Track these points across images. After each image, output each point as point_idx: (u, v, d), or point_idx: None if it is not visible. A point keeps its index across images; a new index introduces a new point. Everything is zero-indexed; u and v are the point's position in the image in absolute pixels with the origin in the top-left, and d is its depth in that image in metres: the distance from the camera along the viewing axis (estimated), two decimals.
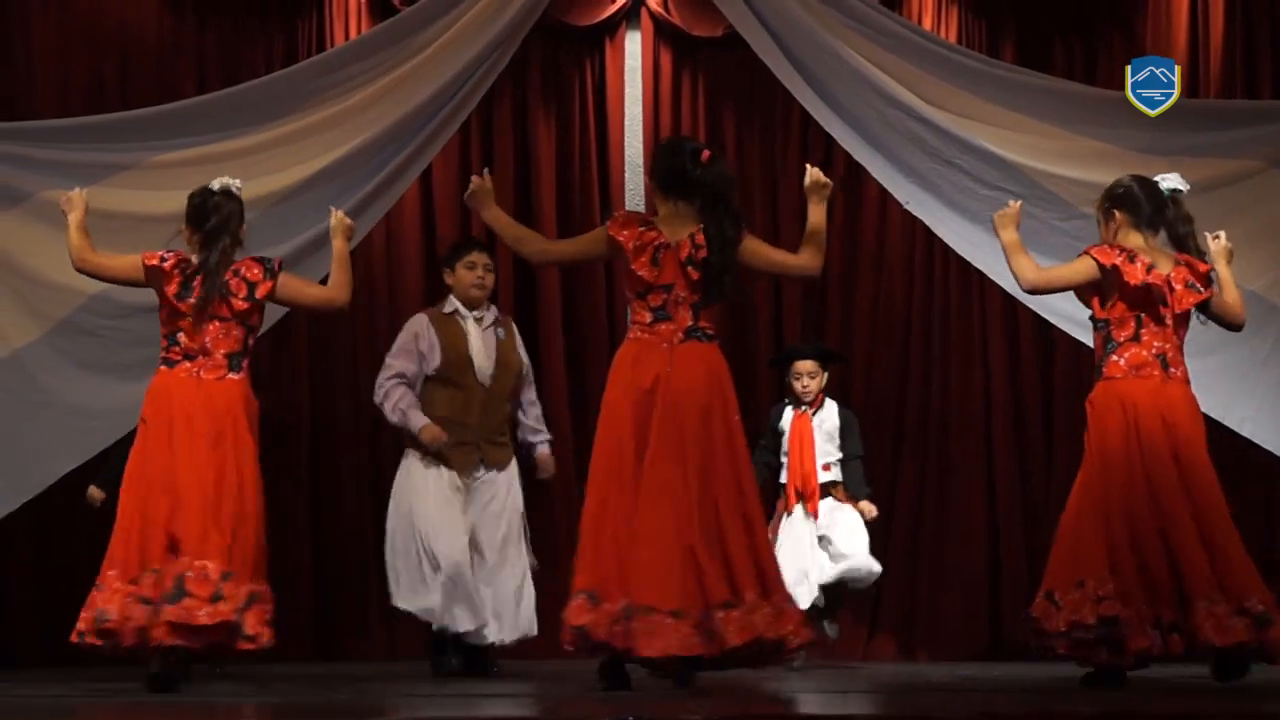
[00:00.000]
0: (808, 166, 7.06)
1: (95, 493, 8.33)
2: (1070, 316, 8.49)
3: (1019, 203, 7.36)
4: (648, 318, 6.68)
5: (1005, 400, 9.66)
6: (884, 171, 8.56)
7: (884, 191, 8.93)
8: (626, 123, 9.90)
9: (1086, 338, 8.43)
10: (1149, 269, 6.93)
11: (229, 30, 9.67)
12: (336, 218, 7.39)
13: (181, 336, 6.98)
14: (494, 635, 8.05)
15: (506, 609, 8.08)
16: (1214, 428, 7.55)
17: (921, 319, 9.80)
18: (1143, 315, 6.97)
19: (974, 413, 9.69)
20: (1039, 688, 7.09)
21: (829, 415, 8.79)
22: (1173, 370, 6.99)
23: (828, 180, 7.01)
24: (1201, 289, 7.01)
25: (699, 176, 6.69)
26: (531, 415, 8.42)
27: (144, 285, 7.15)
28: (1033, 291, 7.31)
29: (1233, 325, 7.26)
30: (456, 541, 7.97)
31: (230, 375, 6.96)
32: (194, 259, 7.02)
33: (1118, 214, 7.16)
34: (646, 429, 6.55)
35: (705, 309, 6.69)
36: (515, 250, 7.23)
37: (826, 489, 8.70)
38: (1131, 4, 9.53)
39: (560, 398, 9.74)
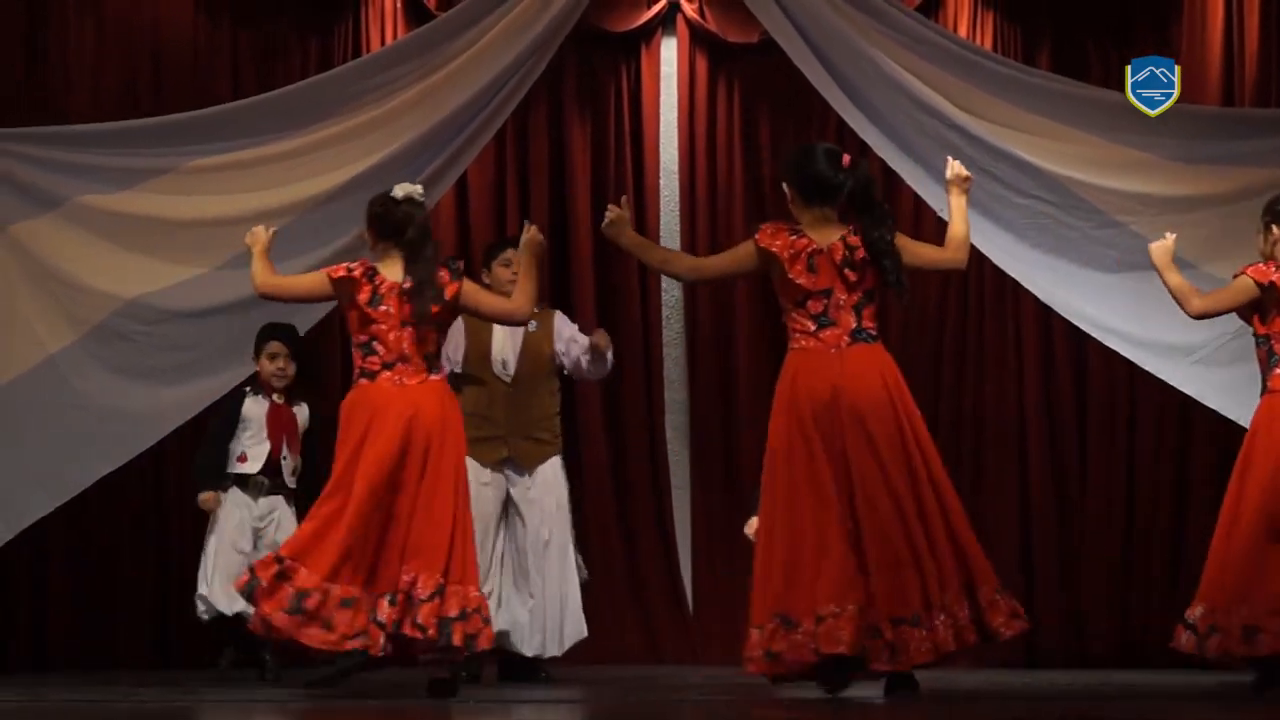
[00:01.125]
0: (948, 159, 7.08)
1: (209, 497, 8.25)
2: (1096, 322, 8.50)
3: (1173, 236, 7.46)
4: (811, 325, 6.62)
5: (1038, 407, 9.58)
6: (918, 178, 8.52)
7: (918, 198, 8.87)
8: (662, 128, 9.92)
9: (1117, 345, 8.44)
10: None
11: (264, 35, 9.65)
12: (530, 233, 7.20)
13: (378, 345, 6.88)
14: (535, 649, 8.05)
15: (551, 621, 8.06)
16: None
17: (955, 325, 9.73)
18: None
19: (1007, 419, 9.63)
20: (1075, 695, 7.06)
21: None
22: None
23: (969, 174, 7.03)
24: None
25: (842, 181, 6.66)
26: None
27: (330, 299, 7.10)
28: (1199, 317, 7.37)
29: None
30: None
31: (431, 377, 6.88)
32: (382, 267, 6.93)
33: (1275, 228, 7.24)
34: (836, 439, 6.51)
35: (867, 308, 6.66)
36: (663, 270, 7.39)
37: None
38: (1167, 12, 9.48)
39: (594, 403, 9.70)
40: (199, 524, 8.89)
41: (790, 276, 6.59)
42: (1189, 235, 8.39)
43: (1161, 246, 7.37)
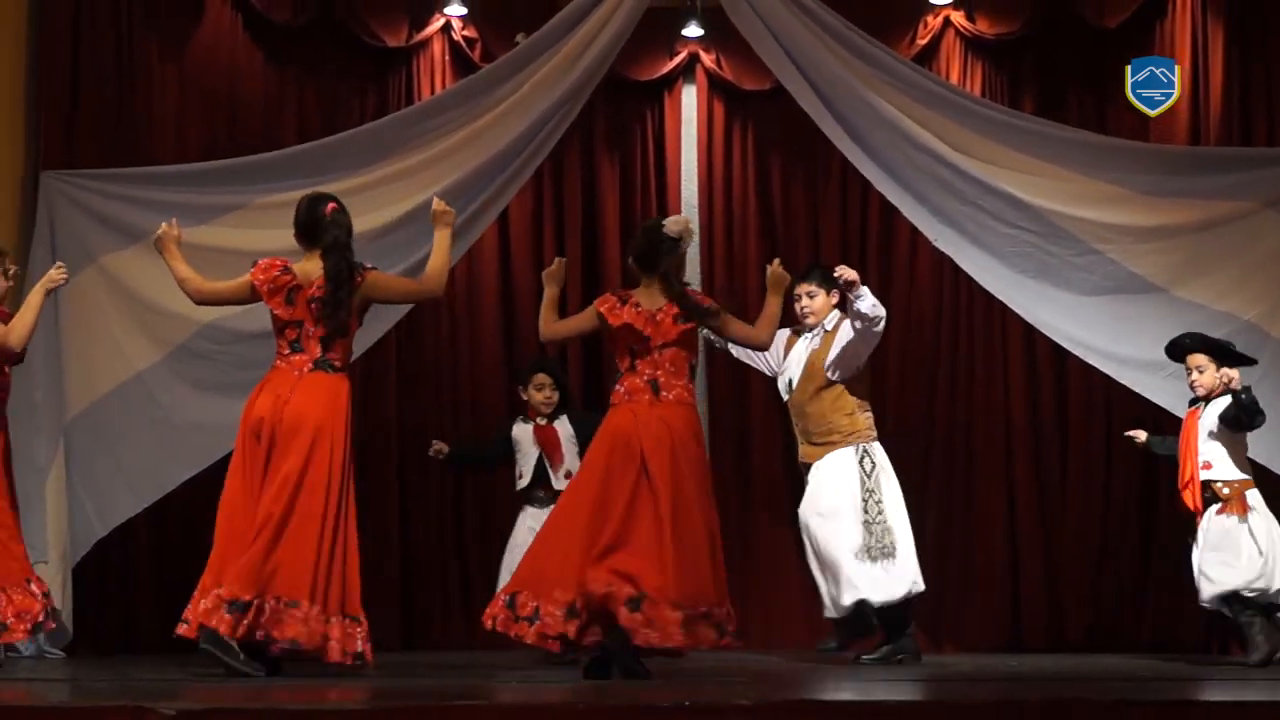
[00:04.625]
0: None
1: (440, 446, 8.73)
2: (1075, 340, 8.56)
3: None
4: None
5: (1024, 416, 9.62)
6: (914, 211, 8.59)
7: (914, 229, 8.94)
8: (683, 168, 9.95)
9: (1096, 361, 8.51)
10: None
11: (327, 85, 9.74)
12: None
13: None
14: None
15: None
16: None
17: (949, 343, 9.76)
18: None
19: (996, 427, 9.65)
20: (1057, 677, 7.10)
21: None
22: None
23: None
24: None
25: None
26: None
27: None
28: None
29: None
30: None
31: None
32: None
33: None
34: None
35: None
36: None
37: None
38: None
39: None
40: None
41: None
42: (1160, 261, 8.51)
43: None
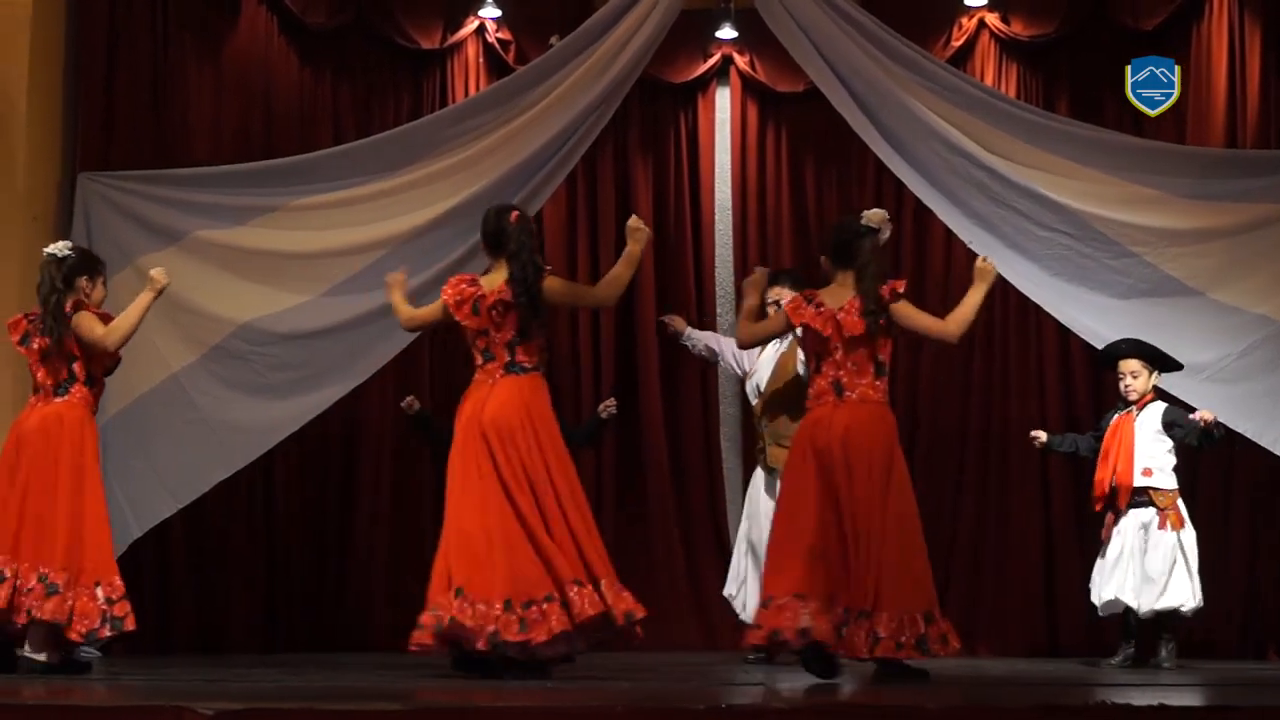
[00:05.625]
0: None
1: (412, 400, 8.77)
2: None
3: None
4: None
5: (1059, 422, 9.54)
6: (949, 214, 8.54)
7: (949, 231, 8.92)
8: (716, 169, 10.00)
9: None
10: None
11: (361, 87, 9.78)
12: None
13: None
14: None
15: None
16: None
17: (983, 347, 9.74)
18: None
19: (1030, 431, 9.62)
20: (1092, 682, 7.07)
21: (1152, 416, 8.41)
22: None
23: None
24: None
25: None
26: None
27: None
28: None
29: None
30: None
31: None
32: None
33: None
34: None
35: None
36: None
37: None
38: (1175, 62, 9.45)
39: (656, 417, 9.82)
40: (305, 523, 9.06)
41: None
42: (1196, 264, 8.45)
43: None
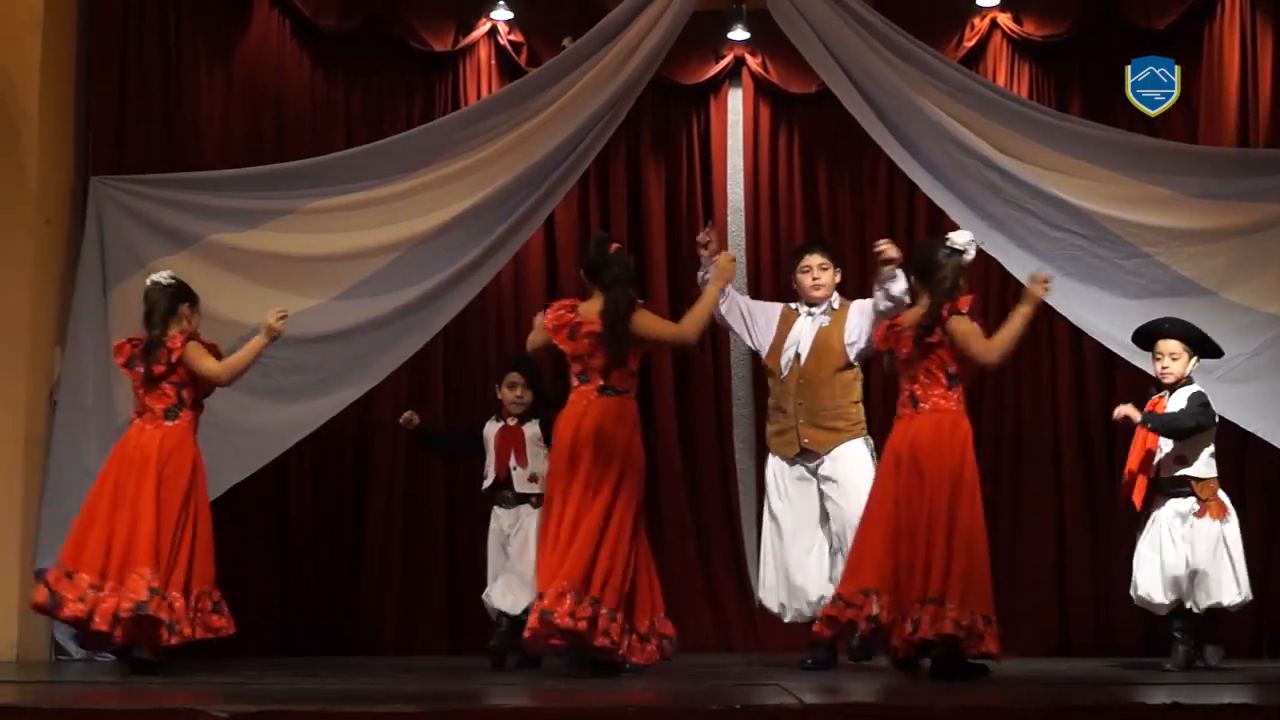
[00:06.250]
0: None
1: (409, 416, 8.55)
2: (1124, 344, 8.45)
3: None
4: None
5: (1071, 424, 9.57)
6: (961, 214, 8.52)
7: None
8: (729, 171, 9.97)
9: (1145, 365, 8.44)
10: None
11: (374, 90, 9.77)
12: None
13: None
14: None
15: None
16: None
17: None
18: None
19: (1043, 435, 9.62)
20: (1106, 681, 7.06)
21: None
22: None
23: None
24: None
25: None
26: None
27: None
28: None
29: None
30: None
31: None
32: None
33: None
34: None
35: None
36: None
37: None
38: (1187, 62, 9.43)
39: (669, 416, 9.80)
40: (318, 526, 9.05)
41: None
42: (1208, 264, 8.45)
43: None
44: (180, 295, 7.67)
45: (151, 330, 7.60)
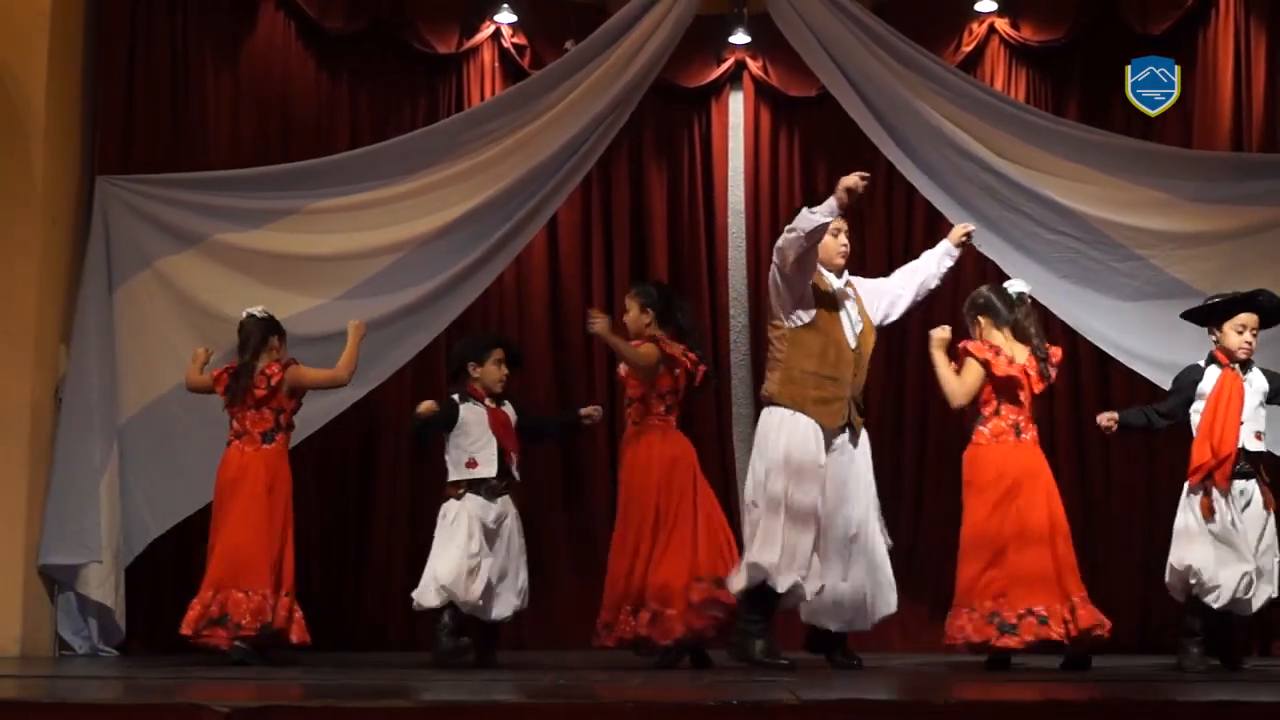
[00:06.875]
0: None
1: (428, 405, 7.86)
2: (1119, 346, 8.52)
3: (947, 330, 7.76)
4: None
5: (1067, 422, 9.60)
6: (959, 217, 8.48)
7: None
8: (730, 173, 10.02)
9: (1138, 366, 8.47)
10: None
11: (378, 91, 9.81)
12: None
13: None
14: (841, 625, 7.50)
15: (867, 595, 7.43)
16: None
17: None
18: None
19: (1040, 432, 9.59)
20: (1102, 677, 7.07)
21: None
22: None
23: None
24: None
25: None
26: None
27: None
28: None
29: None
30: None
31: None
32: None
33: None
34: None
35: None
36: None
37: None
38: (1181, 65, 9.45)
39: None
40: (323, 522, 9.04)
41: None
42: (1201, 267, 8.48)
43: (938, 337, 7.75)
44: (271, 328, 7.96)
45: (243, 357, 7.90)
